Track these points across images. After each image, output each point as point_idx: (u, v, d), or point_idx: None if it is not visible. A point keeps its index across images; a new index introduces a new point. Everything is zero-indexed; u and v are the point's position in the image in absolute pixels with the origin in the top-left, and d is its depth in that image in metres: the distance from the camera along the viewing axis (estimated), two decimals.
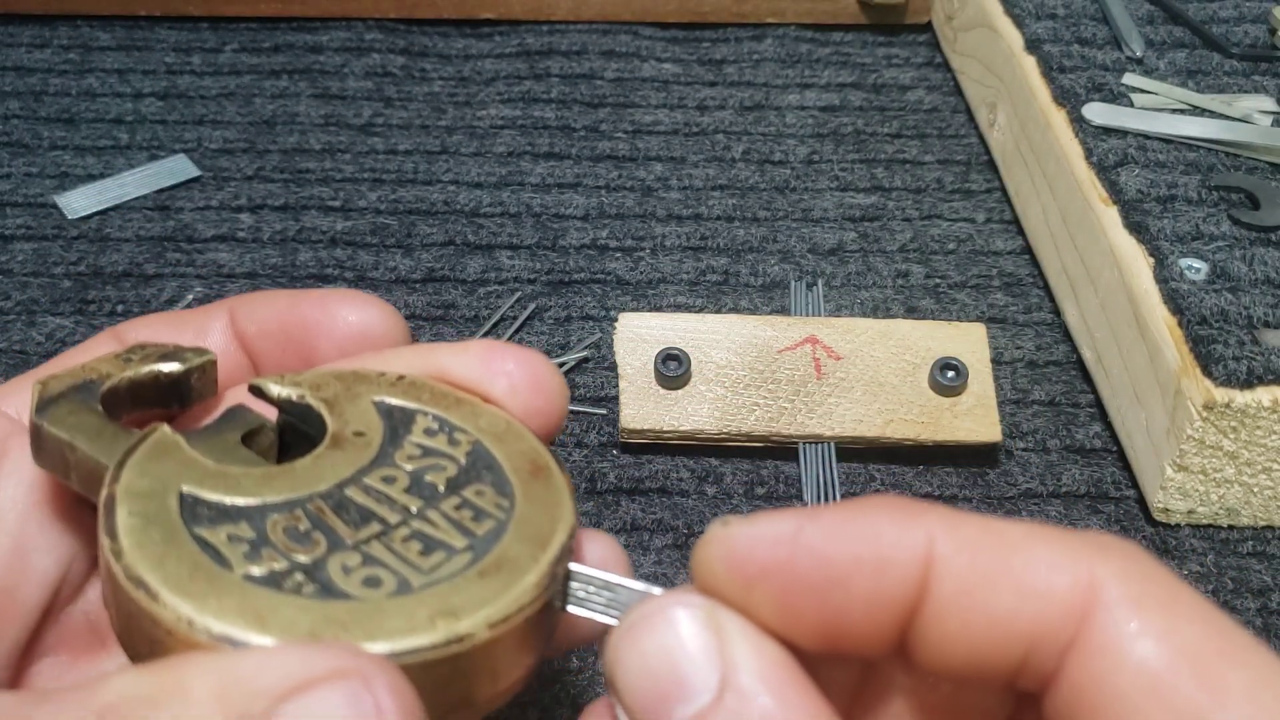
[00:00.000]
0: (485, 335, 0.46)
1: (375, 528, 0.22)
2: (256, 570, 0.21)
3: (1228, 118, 0.49)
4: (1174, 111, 0.49)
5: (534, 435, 0.25)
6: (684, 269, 0.51)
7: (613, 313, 0.48)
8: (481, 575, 0.21)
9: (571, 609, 0.22)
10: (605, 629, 0.22)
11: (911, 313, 0.49)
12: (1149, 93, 0.50)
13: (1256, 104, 0.50)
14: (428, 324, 0.48)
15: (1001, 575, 0.19)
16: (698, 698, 0.19)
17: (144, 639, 0.20)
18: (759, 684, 0.19)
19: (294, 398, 0.25)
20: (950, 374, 0.43)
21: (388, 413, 0.25)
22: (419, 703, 0.19)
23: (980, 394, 0.43)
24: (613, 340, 0.44)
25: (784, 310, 0.49)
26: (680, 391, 0.43)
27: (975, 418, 0.42)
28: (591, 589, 0.22)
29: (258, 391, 0.25)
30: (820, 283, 0.50)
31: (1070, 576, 0.19)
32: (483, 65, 0.61)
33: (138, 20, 0.63)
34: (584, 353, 0.47)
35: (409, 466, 0.24)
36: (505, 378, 0.25)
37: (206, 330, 0.27)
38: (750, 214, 0.53)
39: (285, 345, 0.27)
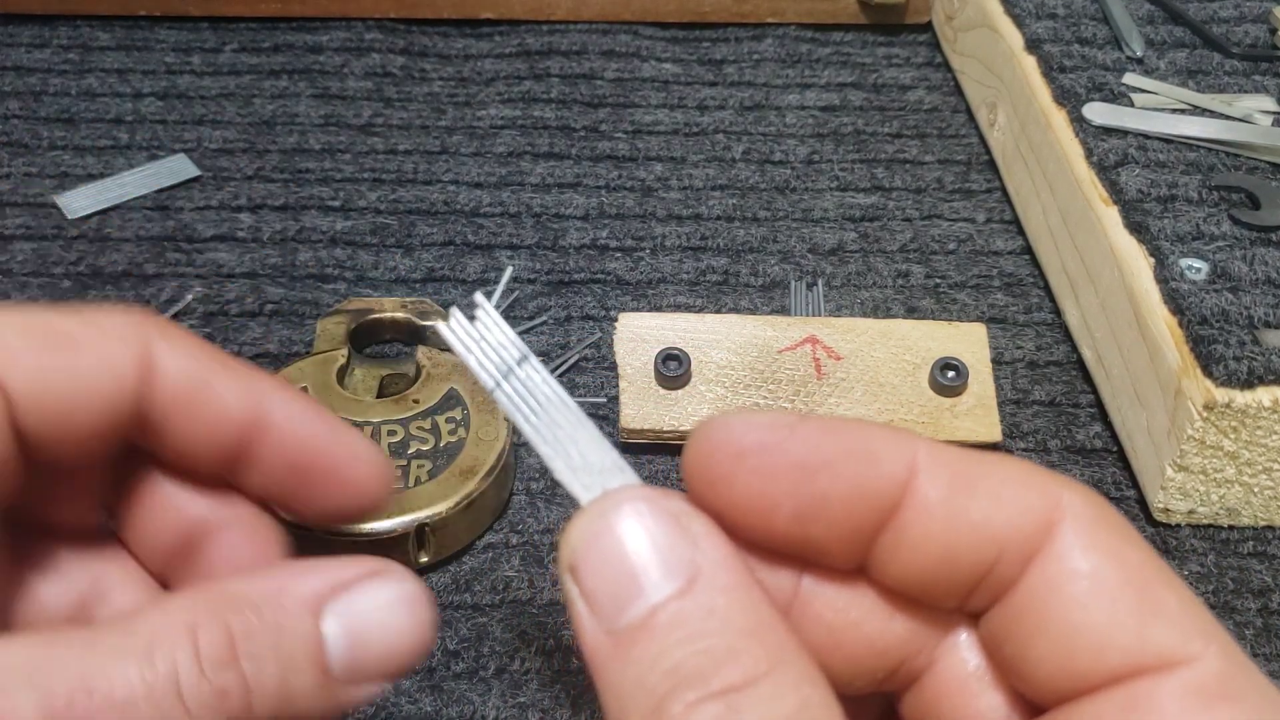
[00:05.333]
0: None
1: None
2: None
3: (1228, 118, 0.49)
4: (1174, 111, 0.49)
5: None
6: (684, 269, 0.51)
7: (613, 313, 0.48)
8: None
9: (503, 401, 0.23)
10: None
11: (912, 313, 0.49)
12: (1149, 93, 0.50)
13: (1257, 104, 0.50)
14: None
15: (980, 485, 0.21)
16: (666, 584, 0.20)
17: None
18: (723, 574, 0.20)
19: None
20: (950, 374, 0.43)
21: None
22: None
23: (980, 394, 0.43)
24: (613, 340, 0.44)
25: (784, 310, 0.49)
26: (680, 391, 0.43)
27: (975, 418, 0.42)
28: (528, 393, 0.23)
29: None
30: (820, 283, 0.50)
31: (1040, 494, 0.21)
32: (483, 65, 0.61)
33: (138, 20, 0.62)
34: (584, 351, 0.47)
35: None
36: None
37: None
38: (750, 214, 0.53)
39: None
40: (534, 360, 0.23)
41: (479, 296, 0.23)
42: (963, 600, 0.22)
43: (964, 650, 0.23)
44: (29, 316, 0.24)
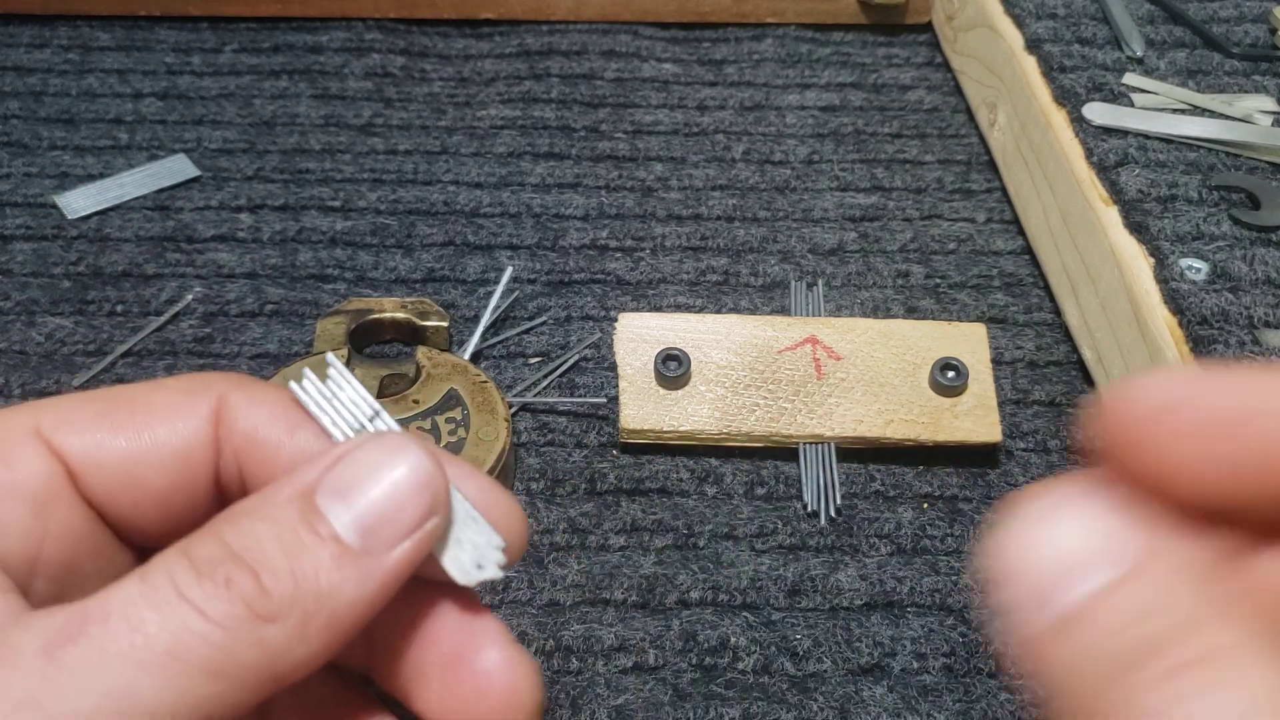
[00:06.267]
0: (484, 333, 0.46)
1: None
2: None
3: (1228, 118, 0.49)
4: (1174, 111, 0.49)
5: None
6: (684, 269, 0.51)
7: (613, 313, 0.48)
8: None
9: (303, 398, 0.24)
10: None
11: (912, 313, 0.49)
12: (1149, 93, 0.50)
13: (1257, 104, 0.50)
14: None
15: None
16: (1104, 572, 0.19)
17: None
18: (1172, 573, 0.19)
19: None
20: (950, 374, 0.43)
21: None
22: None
23: (980, 394, 0.43)
24: (613, 340, 0.44)
25: (784, 310, 0.49)
26: (680, 391, 0.43)
27: (975, 418, 0.42)
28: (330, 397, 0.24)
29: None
30: (820, 283, 0.50)
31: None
32: (483, 65, 0.61)
33: (138, 20, 0.62)
34: (584, 351, 0.47)
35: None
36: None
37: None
38: (750, 214, 0.53)
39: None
40: (385, 416, 0.24)
41: (330, 356, 0.24)
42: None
43: None
44: (93, 391, 0.24)
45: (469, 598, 0.24)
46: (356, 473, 0.22)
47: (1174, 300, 0.41)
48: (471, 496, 0.23)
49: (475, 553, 0.23)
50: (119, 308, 0.48)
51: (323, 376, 0.24)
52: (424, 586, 0.24)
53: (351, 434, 0.23)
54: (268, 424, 0.24)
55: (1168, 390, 0.20)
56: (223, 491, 0.24)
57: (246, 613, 0.20)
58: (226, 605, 0.20)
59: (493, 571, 0.23)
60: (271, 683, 0.20)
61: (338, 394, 0.24)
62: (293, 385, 0.24)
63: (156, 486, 0.23)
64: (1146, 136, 0.48)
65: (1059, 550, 0.19)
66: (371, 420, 0.24)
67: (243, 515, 0.21)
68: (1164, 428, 0.20)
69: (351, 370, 0.43)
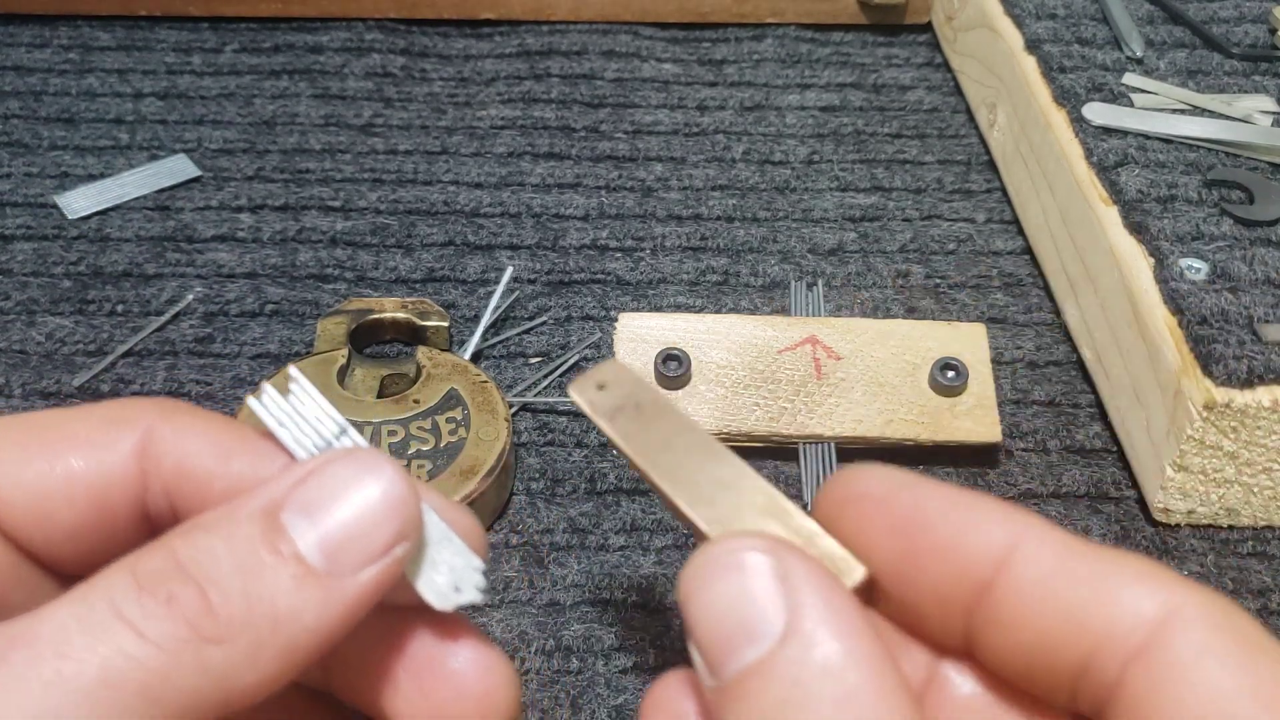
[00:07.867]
0: (484, 333, 0.46)
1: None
2: None
3: (1228, 118, 0.49)
4: (1174, 111, 0.49)
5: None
6: (684, 269, 0.51)
7: (613, 313, 0.48)
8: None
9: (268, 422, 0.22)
10: None
11: (911, 313, 0.49)
12: (1149, 93, 0.50)
13: (1256, 104, 0.50)
14: None
15: (1081, 574, 0.20)
16: (762, 641, 0.19)
17: None
18: (823, 630, 0.19)
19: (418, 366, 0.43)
20: (950, 374, 0.43)
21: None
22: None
23: (980, 394, 0.43)
24: (613, 340, 0.45)
25: (784, 310, 0.49)
26: (680, 391, 0.43)
27: (975, 418, 0.42)
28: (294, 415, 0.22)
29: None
30: (820, 283, 0.50)
31: (1150, 590, 0.20)
32: (483, 65, 0.61)
33: (138, 20, 0.63)
34: (584, 351, 0.47)
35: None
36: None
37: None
38: (750, 214, 0.53)
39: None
40: (353, 432, 0.22)
41: (293, 370, 0.23)
42: (1069, 698, 0.21)
43: None
44: (12, 417, 0.23)
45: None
46: (325, 490, 0.20)
47: (1174, 300, 0.41)
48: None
49: (452, 575, 0.22)
50: (119, 308, 0.48)
51: (284, 391, 0.22)
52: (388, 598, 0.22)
53: (316, 452, 0.22)
54: (199, 455, 0.22)
55: (864, 482, 0.22)
56: (154, 526, 0.23)
57: (189, 633, 0.19)
58: (166, 625, 0.19)
59: (471, 595, 0.22)
60: (219, 709, 0.19)
61: (301, 410, 0.22)
62: (251, 401, 0.22)
63: (68, 521, 0.22)
64: (1146, 136, 0.48)
65: (731, 610, 0.20)
66: (339, 437, 0.22)
67: (199, 529, 0.20)
68: (854, 512, 0.22)
69: (351, 371, 0.43)
